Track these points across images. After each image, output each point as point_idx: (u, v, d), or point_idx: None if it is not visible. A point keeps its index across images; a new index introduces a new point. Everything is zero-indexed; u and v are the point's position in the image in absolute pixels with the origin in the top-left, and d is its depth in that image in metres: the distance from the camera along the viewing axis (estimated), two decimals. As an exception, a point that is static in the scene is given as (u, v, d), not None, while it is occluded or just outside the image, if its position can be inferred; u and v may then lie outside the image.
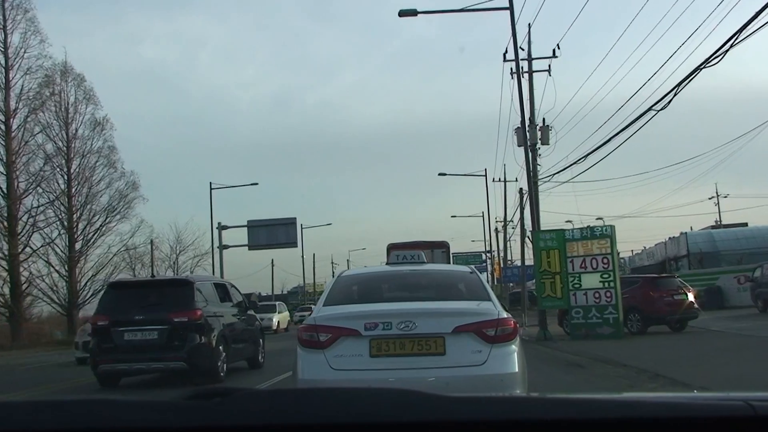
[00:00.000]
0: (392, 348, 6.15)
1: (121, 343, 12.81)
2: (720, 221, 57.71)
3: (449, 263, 27.70)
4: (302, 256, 71.23)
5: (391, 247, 24.54)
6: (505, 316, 6.40)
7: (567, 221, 50.17)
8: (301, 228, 64.35)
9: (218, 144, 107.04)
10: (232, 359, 14.14)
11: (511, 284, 58.67)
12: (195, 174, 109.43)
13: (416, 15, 23.14)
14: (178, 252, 54.01)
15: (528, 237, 32.49)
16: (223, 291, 15.13)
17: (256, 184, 45.16)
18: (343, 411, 1.53)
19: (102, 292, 16.66)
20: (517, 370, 6.19)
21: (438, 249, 27.75)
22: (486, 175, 47.43)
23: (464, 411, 1.57)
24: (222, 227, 40.53)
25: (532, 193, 25.89)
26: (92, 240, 43.26)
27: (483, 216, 57.61)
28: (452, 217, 63.28)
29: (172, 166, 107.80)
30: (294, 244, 41.06)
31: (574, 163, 24.27)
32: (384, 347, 6.15)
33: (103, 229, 43.40)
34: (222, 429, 1.48)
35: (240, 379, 14.02)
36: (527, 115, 26.05)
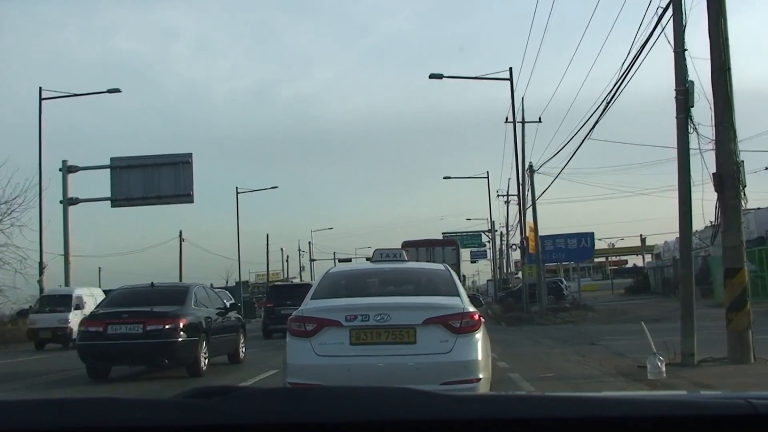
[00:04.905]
0: (369, 337, 6.76)
1: (279, 315, 24.01)
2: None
3: (458, 260, 31.36)
4: (237, 236, 54.07)
5: (405, 245, 27.56)
6: (470, 310, 7.05)
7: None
8: (236, 191, 51.28)
9: (195, 138, 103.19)
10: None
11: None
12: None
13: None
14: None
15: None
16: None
17: (119, 90, 30.67)
18: (343, 410, 1.55)
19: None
20: (479, 357, 6.83)
21: (448, 247, 31.83)
22: (511, 78, 31.86)
23: (464, 410, 1.58)
24: (71, 169, 27.29)
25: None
26: None
27: (496, 179, 54.51)
28: (445, 178, 52.44)
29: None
30: (188, 198, 27.78)
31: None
32: (362, 336, 6.77)
33: None
34: (222, 427, 1.52)
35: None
36: None
